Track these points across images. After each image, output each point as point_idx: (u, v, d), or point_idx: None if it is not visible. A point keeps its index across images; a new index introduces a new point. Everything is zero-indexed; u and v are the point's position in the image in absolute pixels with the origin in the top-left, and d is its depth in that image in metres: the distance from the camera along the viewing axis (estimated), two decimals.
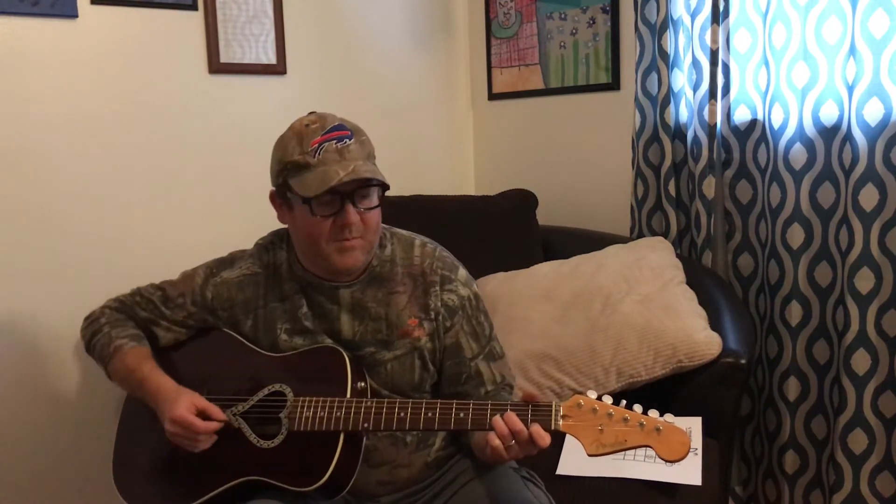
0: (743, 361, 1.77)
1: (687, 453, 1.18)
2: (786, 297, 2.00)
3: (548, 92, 2.56)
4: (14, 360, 1.98)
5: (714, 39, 2.00)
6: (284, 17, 2.33)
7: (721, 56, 2.01)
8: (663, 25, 2.11)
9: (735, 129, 2.08)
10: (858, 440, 1.88)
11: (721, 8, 1.98)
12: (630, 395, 1.82)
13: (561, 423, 1.24)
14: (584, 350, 1.87)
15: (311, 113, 1.42)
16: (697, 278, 2.02)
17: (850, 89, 1.80)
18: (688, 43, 2.12)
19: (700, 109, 2.09)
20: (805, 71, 1.89)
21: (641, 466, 1.52)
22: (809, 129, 1.91)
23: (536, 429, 1.24)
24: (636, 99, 2.21)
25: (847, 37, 1.80)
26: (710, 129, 2.06)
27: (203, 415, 1.39)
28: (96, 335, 1.56)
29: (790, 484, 2.06)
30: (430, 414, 1.32)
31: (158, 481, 1.50)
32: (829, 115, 1.88)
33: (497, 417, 1.27)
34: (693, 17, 2.08)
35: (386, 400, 1.36)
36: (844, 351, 1.86)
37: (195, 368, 1.50)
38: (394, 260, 1.48)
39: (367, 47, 2.54)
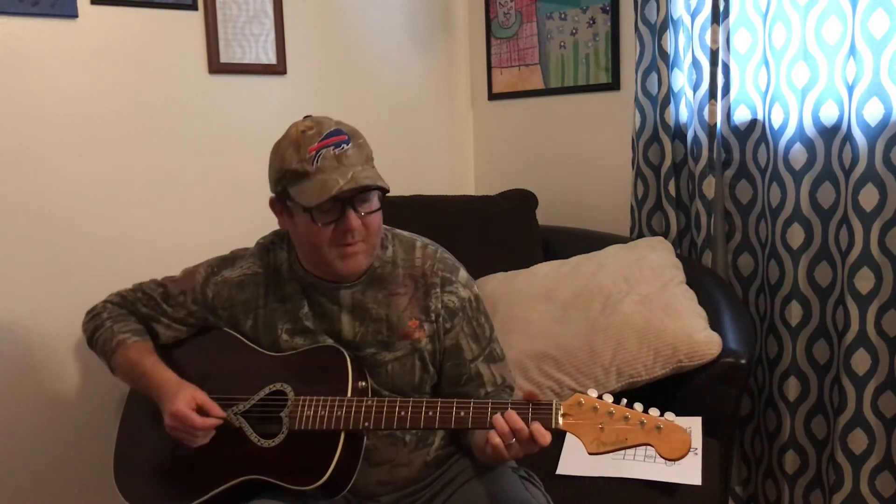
0: (743, 361, 1.77)
1: (687, 451, 1.18)
2: (786, 297, 2.00)
3: (548, 92, 2.56)
4: (14, 360, 1.98)
5: (714, 39, 2.00)
6: (284, 17, 2.33)
7: (721, 56, 2.01)
8: (663, 25, 2.11)
9: (735, 129, 2.08)
10: (858, 440, 1.88)
11: (721, 8, 1.98)
12: (630, 395, 1.82)
13: (561, 421, 1.24)
14: (584, 350, 1.87)
15: (306, 117, 1.40)
16: (697, 278, 2.02)
17: (850, 89, 1.80)
18: (688, 43, 2.12)
19: (700, 109, 2.09)
20: (805, 71, 1.89)
21: (641, 466, 1.52)
22: (809, 129, 1.91)
23: (537, 427, 1.24)
24: (636, 99, 2.21)
25: (847, 37, 1.80)
26: (710, 129, 2.06)
27: (202, 410, 1.39)
28: (98, 330, 1.56)
29: (790, 484, 2.06)
30: (430, 413, 1.32)
31: (159, 480, 1.50)
32: (829, 115, 1.88)
33: (498, 416, 1.27)
34: (693, 17, 2.08)
35: (387, 399, 1.36)
36: (844, 351, 1.86)
37: (196, 367, 1.50)
38: (395, 261, 1.48)
39: (367, 47, 2.54)
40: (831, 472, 1.93)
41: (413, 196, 2.41)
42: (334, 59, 2.47)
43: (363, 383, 1.41)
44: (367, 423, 1.34)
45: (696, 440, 1.58)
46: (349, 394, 1.37)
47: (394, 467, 1.48)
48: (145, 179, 2.14)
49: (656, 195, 2.23)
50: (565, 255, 2.20)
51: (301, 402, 1.38)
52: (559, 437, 1.27)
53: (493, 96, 2.74)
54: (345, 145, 1.34)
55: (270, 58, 2.32)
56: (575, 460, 1.55)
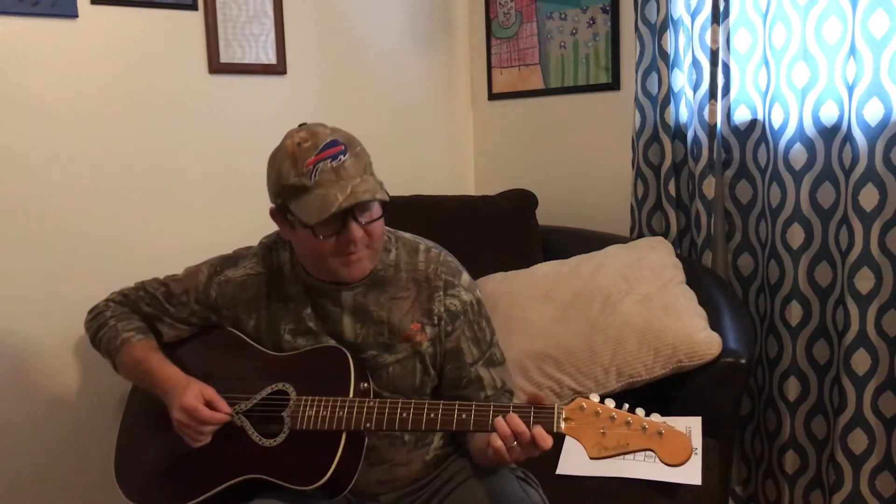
0: (743, 361, 1.77)
1: (689, 457, 1.18)
2: (786, 297, 2.00)
3: (548, 92, 2.56)
4: (14, 360, 1.98)
5: (714, 39, 2.00)
6: (284, 17, 2.33)
7: (721, 56, 2.01)
8: (663, 25, 2.11)
9: (735, 129, 2.08)
10: (858, 440, 1.88)
11: (721, 8, 1.98)
12: (630, 394, 1.82)
13: (563, 425, 1.24)
14: (584, 350, 1.87)
15: (301, 126, 1.38)
16: (697, 278, 2.02)
17: (850, 89, 1.80)
18: (688, 43, 2.12)
19: (700, 109, 2.09)
20: (805, 71, 1.89)
21: (641, 466, 1.52)
22: (809, 129, 1.91)
23: (539, 430, 1.24)
24: (636, 99, 2.21)
25: (847, 37, 1.80)
26: (710, 129, 2.06)
27: (210, 405, 1.40)
28: (102, 328, 1.56)
29: (790, 484, 2.06)
30: (432, 415, 1.32)
31: (160, 479, 1.50)
32: (829, 115, 1.88)
33: (499, 418, 1.27)
34: (693, 17, 2.09)
35: (388, 400, 1.36)
36: (844, 351, 1.86)
37: (199, 366, 1.50)
38: (398, 265, 1.48)
39: (367, 47, 2.54)
40: (831, 472, 1.93)
41: (413, 196, 2.41)
42: (334, 59, 2.47)
43: (365, 384, 1.42)
44: (368, 424, 1.34)
45: (696, 440, 1.58)
46: (351, 395, 1.37)
47: (392, 467, 1.48)
48: (145, 179, 2.14)
49: (656, 195, 2.24)
50: (565, 255, 2.20)
51: (303, 402, 1.38)
52: (559, 437, 1.27)
53: (493, 96, 2.74)
54: (342, 156, 1.32)
55: (270, 58, 2.32)
56: (575, 460, 1.55)
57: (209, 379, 1.45)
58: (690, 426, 1.59)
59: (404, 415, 1.33)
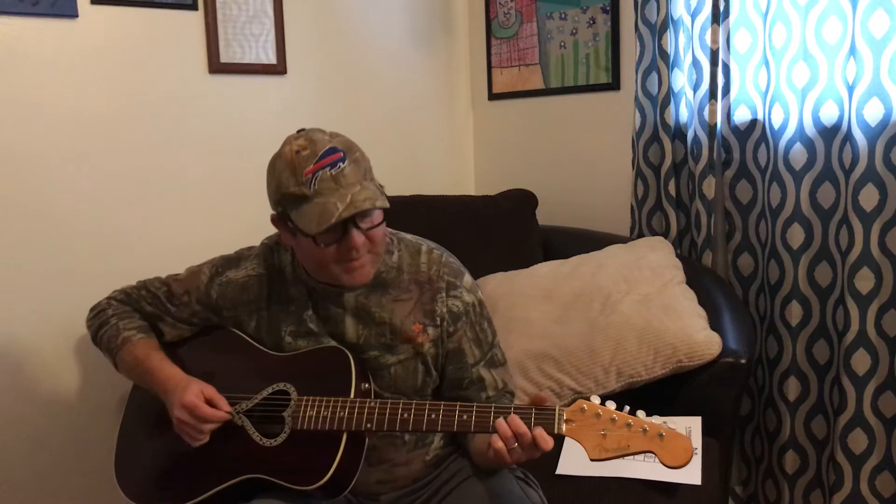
0: (743, 361, 1.77)
1: (689, 460, 1.18)
2: (786, 297, 2.00)
3: (548, 92, 2.56)
4: (15, 360, 1.98)
5: (714, 39, 2.00)
6: (284, 17, 2.33)
7: (721, 56, 2.01)
8: (663, 25, 2.11)
9: (735, 129, 2.08)
10: (858, 440, 1.88)
11: (721, 8, 1.98)
12: (630, 394, 1.82)
13: (564, 427, 1.24)
14: (584, 350, 1.87)
15: (299, 132, 1.38)
16: (697, 278, 2.02)
17: (850, 89, 1.80)
18: (688, 43, 2.12)
19: (700, 109, 2.09)
20: (805, 71, 1.89)
21: (641, 467, 1.52)
22: (809, 129, 1.91)
23: (540, 432, 1.24)
24: (636, 99, 2.21)
25: (847, 37, 1.80)
26: (710, 129, 2.06)
27: (211, 404, 1.40)
28: (103, 327, 1.57)
29: (790, 484, 2.06)
30: (433, 416, 1.32)
31: (161, 478, 1.50)
32: (829, 115, 1.88)
33: (500, 420, 1.27)
34: (693, 17, 2.08)
35: (389, 401, 1.36)
36: (844, 351, 1.86)
37: (200, 366, 1.50)
38: (400, 267, 1.48)
39: (367, 47, 2.54)
40: (831, 472, 1.93)
41: (413, 196, 2.41)
42: (334, 59, 2.47)
43: (366, 385, 1.42)
44: (369, 425, 1.34)
45: (696, 440, 1.58)
46: (352, 395, 1.37)
47: (393, 467, 1.48)
48: (145, 179, 2.14)
49: (656, 195, 2.24)
50: (565, 255, 2.20)
51: (304, 403, 1.38)
52: (559, 438, 1.27)
53: (493, 96, 2.74)
54: (341, 164, 1.31)
55: (270, 58, 2.32)
56: (574, 461, 1.55)
57: (210, 378, 1.46)
58: (690, 426, 1.59)
59: (405, 415, 1.33)
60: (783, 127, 1.95)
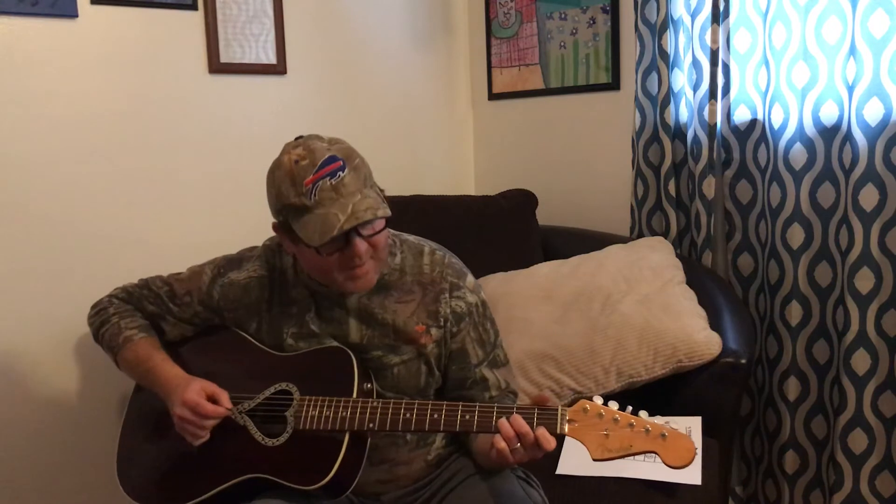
0: (743, 361, 1.77)
1: (692, 460, 1.18)
2: (786, 297, 2.00)
3: (548, 92, 2.56)
4: (15, 361, 1.98)
5: (714, 39, 2.00)
6: (284, 17, 2.33)
7: (721, 56, 2.01)
8: (663, 25, 2.11)
9: (735, 129, 2.08)
10: (858, 440, 1.88)
11: (721, 8, 1.98)
12: (630, 394, 1.82)
13: (567, 427, 1.24)
14: (584, 350, 1.87)
15: (298, 139, 1.36)
16: (697, 278, 2.02)
17: (850, 89, 1.80)
18: (688, 43, 2.12)
19: (700, 109, 2.09)
20: (805, 71, 1.89)
21: (641, 466, 1.52)
22: (809, 129, 1.91)
23: (542, 432, 1.24)
24: (636, 99, 2.21)
25: (847, 37, 1.80)
26: (710, 129, 2.06)
27: (212, 400, 1.40)
28: (105, 325, 1.57)
29: (790, 484, 2.07)
30: (436, 415, 1.32)
31: (163, 478, 1.50)
32: (829, 115, 1.88)
33: (503, 420, 1.27)
34: (693, 17, 2.09)
35: (392, 401, 1.36)
36: (844, 351, 1.86)
37: (202, 365, 1.50)
38: (403, 269, 1.48)
39: (367, 47, 2.54)
40: (831, 472, 1.93)
41: (413, 196, 2.41)
42: (334, 59, 2.47)
43: (369, 385, 1.42)
44: (371, 425, 1.34)
45: (696, 440, 1.58)
46: (355, 395, 1.37)
47: (394, 466, 1.48)
48: (145, 179, 2.14)
49: (656, 195, 2.24)
50: (565, 255, 2.20)
51: (306, 402, 1.38)
52: (560, 438, 1.27)
53: (493, 96, 2.74)
54: (340, 173, 1.30)
55: (270, 58, 2.32)
56: (575, 460, 1.55)
57: (212, 378, 1.45)
58: (690, 426, 1.59)
59: (408, 415, 1.33)
60: (783, 127, 1.95)
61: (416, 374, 1.46)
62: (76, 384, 2.08)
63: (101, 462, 2.05)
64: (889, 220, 1.80)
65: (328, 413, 1.36)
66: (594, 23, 2.40)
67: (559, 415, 1.25)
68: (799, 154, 1.93)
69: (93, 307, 1.63)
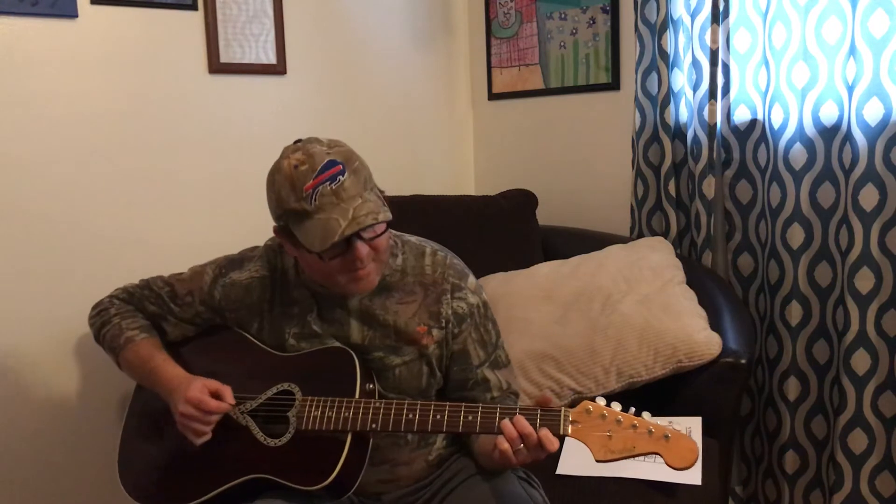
0: (743, 361, 1.77)
1: (695, 461, 1.18)
2: (786, 297, 2.00)
3: (548, 92, 2.56)
4: (15, 362, 1.98)
5: (714, 39, 2.00)
6: (284, 17, 2.33)
7: (721, 56, 2.01)
8: (663, 25, 2.11)
9: (735, 129, 2.08)
10: (858, 440, 1.88)
11: (721, 8, 1.98)
12: (630, 394, 1.82)
13: (570, 428, 1.24)
14: (584, 350, 1.87)
15: (296, 143, 1.36)
16: (697, 278, 2.02)
17: (850, 89, 1.80)
18: (688, 43, 2.12)
19: (700, 109, 2.09)
20: (805, 71, 1.89)
21: (642, 466, 1.52)
22: (809, 129, 1.91)
23: (545, 433, 1.24)
24: (636, 99, 2.21)
25: (847, 37, 1.80)
26: (710, 129, 2.06)
27: (216, 396, 1.40)
28: (106, 325, 1.57)
29: (790, 484, 2.07)
30: (438, 416, 1.32)
31: (165, 478, 1.50)
32: (829, 115, 1.88)
33: (506, 420, 1.27)
34: (693, 17, 2.09)
35: (395, 401, 1.36)
36: (844, 351, 1.86)
37: (204, 365, 1.50)
38: (404, 270, 1.48)
39: (367, 47, 2.54)
40: (831, 472, 1.93)
41: (413, 196, 2.41)
42: (334, 59, 2.47)
43: (371, 385, 1.42)
44: (374, 425, 1.34)
45: (697, 440, 1.58)
46: (357, 395, 1.37)
47: (395, 466, 1.48)
48: (145, 179, 2.14)
49: (656, 195, 2.24)
50: (565, 255, 2.20)
51: (308, 403, 1.38)
52: (562, 438, 1.27)
53: (493, 96, 2.74)
54: (340, 177, 1.29)
55: (270, 58, 2.32)
56: (575, 460, 1.55)
57: (214, 378, 1.45)
58: (690, 426, 1.59)
59: (410, 416, 1.33)
60: (783, 127, 1.95)
61: (417, 375, 1.46)
62: (76, 384, 2.08)
63: (101, 462, 2.05)
64: (889, 220, 1.80)
65: (330, 413, 1.36)
66: (594, 23, 2.40)
67: (562, 416, 1.25)
68: (799, 154, 1.93)
69: (93, 308, 1.63)
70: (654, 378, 1.80)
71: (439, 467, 1.52)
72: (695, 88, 2.11)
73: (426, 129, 2.72)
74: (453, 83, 2.78)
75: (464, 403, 1.33)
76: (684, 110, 2.17)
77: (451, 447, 1.54)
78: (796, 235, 1.96)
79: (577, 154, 2.52)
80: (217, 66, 2.22)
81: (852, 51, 1.78)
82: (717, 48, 2.00)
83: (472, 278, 1.51)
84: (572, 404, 1.28)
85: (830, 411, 1.98)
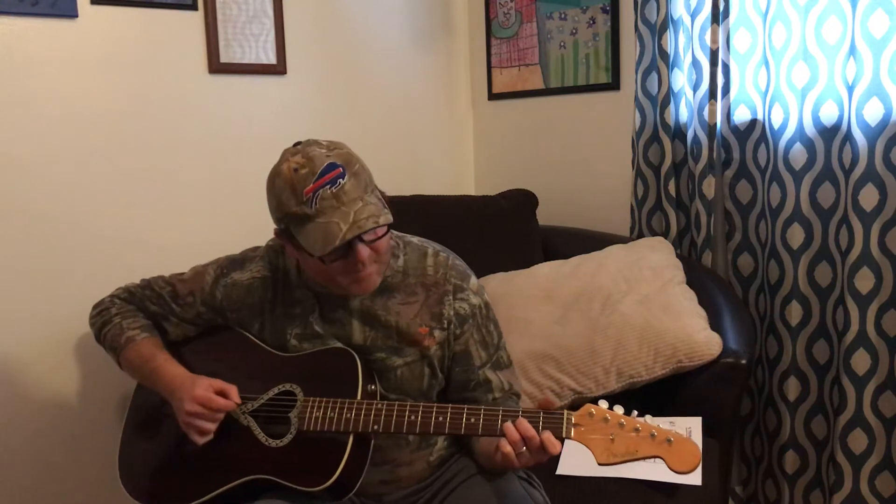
0: (743, 361, 1.77)
1: (698, 465, 1.19)
2: (786, 297, 2.00)
3: (548, 92, 2.56)
4: (15, 362, 1.98)
5: (714, 39, 2.00)
6: (284, 17, 2.33)
7: (721, 56, 2.01)
8: (663, 25, 2.11)
9: (735, 129, 2.08)
10: (858, 440, 1.88)
11: (721, 8, 1.98)
12: (630, 394, 1.82)
13: (573, 431, 1.24)
14: (585, 350, 1.87)
15: (296, 146, 1.35)
16: (697, 278, 2.02)
17: (850, 89, 1.80)
18: (688, 43, 2.12)
19: (700, 109, 2.09)
20: (805, 71, 1.89)
21: (642, 467, 1.51)
22: (809, 129, 1.91)
23: (548, 436, 1.25)
24: (636, 99, 2.21)
25: (847, 37, 1.80)
26: (710, 129, 2.06)
27: (221, 394, 1.40)
28: (107, 325, 1.57)
29: (790, 484, 2.07)
30: (440, 418, 1.32)
31: (166, 477, 1.50)
32: (829, 115, 1.88)
33: (508, 423, 1.27)
34: (693, 17, 2.09)
35: (396, 403, 1.36)
36: (844, 351, 1.86)
37: (205, 365, 1.50)
38: (406, 271, 1.48)
39: (367, 47, 2.54)
40: (831, 472, 1.93)
41: (413, 196, 2.41)
42: (334, 59, 2.47)
43: (372, 387, 1.42)
44: (376, 427, 1.34)
45: (697, 441, 1.58)
46: (359, 396, 1.37)
47: (396, 467, 1.48)
48: (145, 179, 2.14)
49: (656, 195, 2.24)
50: (565, 255, 2.20)
51: (310, 403, 1.38)
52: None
53: (493, 96, 2.74)
54: (340, 180, 1.29)
55: (270, 58, 2.31)
56: (575, 461, 1.55)
57: (216, 378, 1.45)
58: (691, 427, 1.59)
59: (412, 418, 1.33)
60: (783, 127, 1.95)
61: (419, 376, 1.46)
62: (76, 384, 2.08)
63: (101, 462, 2.05)
64: (889, 220, 1.80)
65: (332, 414, 1.36)
66: (594, 23, 2.40)
67: (564, 419, 1.25)
68: (799, 154, 1.93)
69: (94, 307, 1.62)
70: (654, 378, 1.80)
71: (440, 468, 1.52)
72: (695, 88, 2.11)
73: (426, 129, 2.72)
74: (453, 83, 2.78)
75: (466, 406, 1.33)
76: (684, 110, 2.17)
77: (451, 448, 1.54)
78: (796, 235, 1.96)
79: (577, 154, 2.52)
80: (217, 66, 2.22)
81: (852, 51, 1.78)
82: (717, 48, 2.00)
83: (473, 279, 1.51)
84: (573, 405, 1.28)
85: (830, 411, 1.98)
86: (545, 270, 2.14)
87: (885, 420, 1.87)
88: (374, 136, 2.57)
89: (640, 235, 2.26)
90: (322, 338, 1.46)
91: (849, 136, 1.81)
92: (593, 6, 2.39)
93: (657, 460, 1.20)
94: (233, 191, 2.28)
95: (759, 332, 2.10)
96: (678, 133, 2.18)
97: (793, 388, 2.02)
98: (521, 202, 2.41)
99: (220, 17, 2.20)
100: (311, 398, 1.39)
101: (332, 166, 1.29)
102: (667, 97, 2.15)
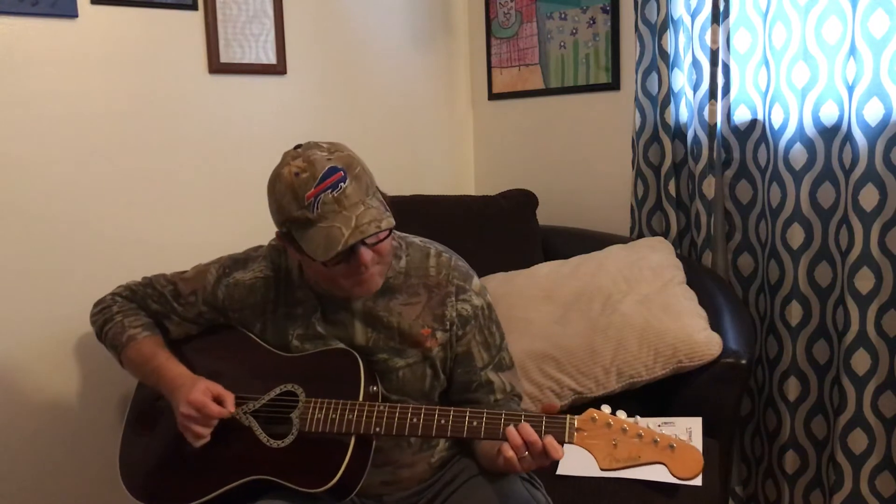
0: (743, 361, 1.77)
1: (700, 471, 1.19)
2: (786, 297, 2.00)
3: (548, 92, 2.56)
4: (15, 362, 1.98)
5: (714, 39, 2.00)
6: (284, 17, 2.32)
7: (721, 56, 2.01)
8: (663, 25, 2.11)
9: (735, 129, 2.08)
10: (858, 440, 1.88)
11: (721, 8, 1.98)
12: (630, 395, 1.82)
13: (575, 436, 1.24)
14: (585, 350, 1.87)
15: (296, 149, 1.34)
16: (697, 278, 2.02)
17: (850, 89, 1.80)
18: (688, 43, 2.12)
19: (700, 109, 2.09)
20: (805, 71, 1.89)
21: (643, 470, 1.52)
22: (809, 129, 1.91)
23: (550, 440, 1.24)
24: (636, 99, 2.21)
25: (847, 37, 1.80)
26: (710, 129, 2.06)
27: (218, 401, 1.40)
28: (108, 323, 1.56)
29: (790, 484, 2.07)
30: (443, 421, 1.32)
31: (167, 478, 1.50)
32: (829, 115, 1.88)
33: (511, 428, 1.27)
34: (693, 17, 2.09)
35: (399, 405, 1.36)
36: (844, 351, 1.86)
37: (207, 365, 1.50)
38: (408, 272, 1.47)
39: (367, 47, 2.54)
40: (831, 472, 1.93)
41: (413, 196, 2.41)
42: (334, 59, 2.47)
43: (374, 388, 1.41)
44: (378, 429, 1.34)
45: (697, 441, 1.58)
46: (361, 398, 1.37)
47: (397, 468, 1.48)
48: (145, 179, 2.14)
49: (656, 195, 2.24)
50: (565, 255, 2.20)
51: (312, 404, 1.38)
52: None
53: (493, 96, 2.74)
54: (342, 184, 1.28)
55: (270, 58, 2.31)
56: (575, 461, 1.55)
57: (217, 378, 1.45)
58: (691, 427, 1.59)
59: (414, 420, 1.33)
60: (783, 127, 1.95)
61: (421, 377, 1.46)
62: (76, 384, 2.08)
63: (101, 462, 2.05)
64: (889, 220, 1.80)
65: (334, 416, 1.35)
66: (594, 23, 2.40)
67: (567, 423, 1.25)
68: (799, 154, 1.93)
69: (95, 305, 1.62)
70: (654, 378, 1.80)
71: (441, 469, 1.52)
72: (695, 88, 2.11)
73: (426, 129, 2.72)
74: (453, 83, 2.78)
75: (469, 409, 1.32)
76: (684, 110, 2.17)
77: (452, 449, 1.54)
78: (796, 235, 1.96)
79: (577, 154, 2.52)
80: (217, 66, 2.22)
81: (852, 51, 1.78)
82: (718, 48, 2.00)
83: (476, 280, 1.51)
84: (573, 405, 1.28)
85: (830, 411, 1.98)
86: (545, 270, 2.14)
87: (885, 420, 1.87)
88: (375, 135, 2.57)
89: (641, 235, 2.26)
90: (324, 338, 1.46)
91: (849, 136, 1.81)
92: (593, 6, 2.39)
93: (660, 467, 1.20)
94: (233, 191, 2.28)
95: (759, 332, 2.10)
96: (678, 133, 2.18)
97: (793, 388, 2.02)
98: (522, 202, 2.41)
99: (220, 17, 2.20)
100: (313, 399, 1.39)
101: (333, 170, 1.29)
102: (667, 97, 2.15)
